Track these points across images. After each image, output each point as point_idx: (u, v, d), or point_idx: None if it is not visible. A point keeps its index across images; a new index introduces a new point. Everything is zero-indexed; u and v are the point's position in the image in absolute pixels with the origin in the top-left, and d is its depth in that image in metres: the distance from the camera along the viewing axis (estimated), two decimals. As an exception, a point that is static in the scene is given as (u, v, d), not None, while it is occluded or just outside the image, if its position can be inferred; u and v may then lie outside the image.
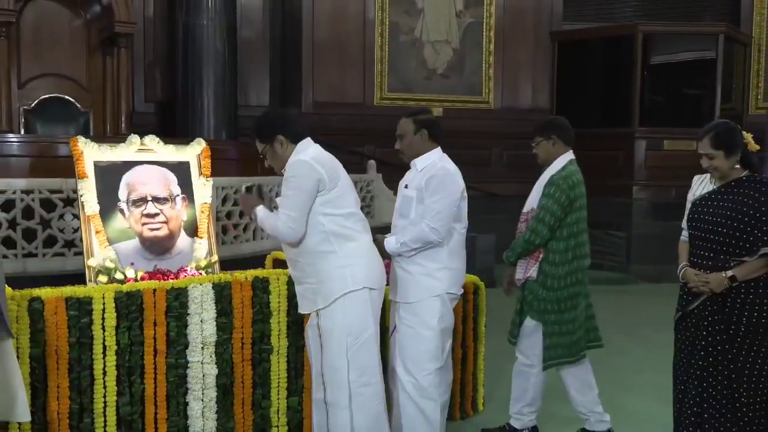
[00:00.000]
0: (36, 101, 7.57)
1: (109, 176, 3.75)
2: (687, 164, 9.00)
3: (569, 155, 3.90)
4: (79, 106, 7.65)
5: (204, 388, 3.52)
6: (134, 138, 3.90)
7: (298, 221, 3.17)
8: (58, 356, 3.23)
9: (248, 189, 3.50)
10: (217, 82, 8.29)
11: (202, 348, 3.52)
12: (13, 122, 7.49)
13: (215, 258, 3.95)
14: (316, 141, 3.35)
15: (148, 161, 3.89)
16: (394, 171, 3.87)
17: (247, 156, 6.24)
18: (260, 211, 3.33)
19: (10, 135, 6.43)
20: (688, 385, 3.33)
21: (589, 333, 3.95)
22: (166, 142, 3.98)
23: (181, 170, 3.97)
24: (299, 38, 9.71)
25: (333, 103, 9.66)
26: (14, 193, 4.39)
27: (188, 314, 3.49)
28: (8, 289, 3.06)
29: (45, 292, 3.25)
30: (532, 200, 3.89)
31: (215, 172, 4.14)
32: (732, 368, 3.19)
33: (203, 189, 4.01)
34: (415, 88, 10.09)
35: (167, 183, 3.90)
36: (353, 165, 6.02)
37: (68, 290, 3.30)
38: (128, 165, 3.82)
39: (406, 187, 3.64)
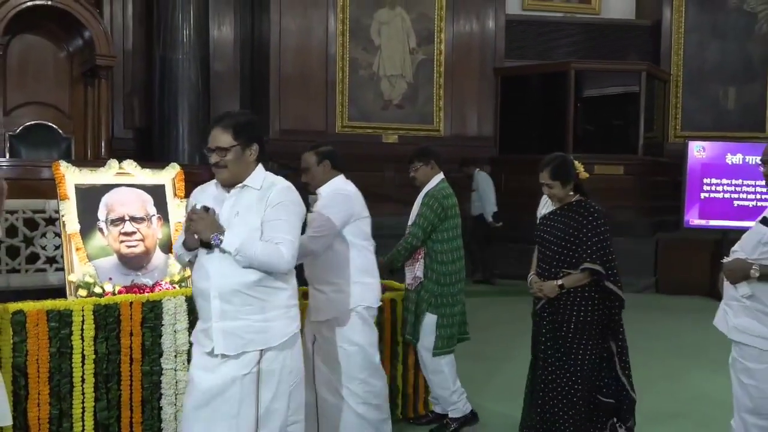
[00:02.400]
0: (21, 127, 7.38)
1: (89, 198, 3.69)
2: (615, 186, 9.29)
3: (441, 175, 4.10)
4: (61, 132, 7.49)
5: (177, 393, 3.46)
6: (113, 162, 3.85)
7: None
8: (39, 365, 3.16)
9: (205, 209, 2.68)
10: (191, 111, 8.21)
11: (176, 356, 3.47)
12: (-1, 147, 7.33)
13: (188, 273, 3.91)
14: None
15: (126, 184, 3.84)
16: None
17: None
18: (237, 241, 2.58)
19: (-4, 159, 6.30)
20: (539, 372, 3.55)
21: (461, 327, 4.09)
22: (143, 167, 3.94)
23: (157, 192, 3.92)
24: (267, 71, 9.69)
25: (298, 130, 9.63)
26: (-1, 213, 4.28)
27: (162, 325, 3.44)
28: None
29: (27, 306, 3.18)
30: (414, 215, 4.03)
31: (189, 194, 4.10)
32: (565, 360, 3.43)
33: (178, 209, 3.97)
34: (373, 118, 10.13)
35: (144, 204, 3.85)
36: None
37: (49, 303, 3.24)
38: (107, 187, 3.77)
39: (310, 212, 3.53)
